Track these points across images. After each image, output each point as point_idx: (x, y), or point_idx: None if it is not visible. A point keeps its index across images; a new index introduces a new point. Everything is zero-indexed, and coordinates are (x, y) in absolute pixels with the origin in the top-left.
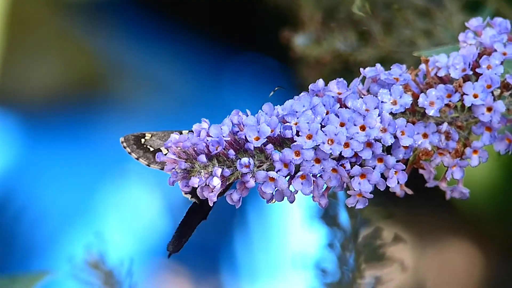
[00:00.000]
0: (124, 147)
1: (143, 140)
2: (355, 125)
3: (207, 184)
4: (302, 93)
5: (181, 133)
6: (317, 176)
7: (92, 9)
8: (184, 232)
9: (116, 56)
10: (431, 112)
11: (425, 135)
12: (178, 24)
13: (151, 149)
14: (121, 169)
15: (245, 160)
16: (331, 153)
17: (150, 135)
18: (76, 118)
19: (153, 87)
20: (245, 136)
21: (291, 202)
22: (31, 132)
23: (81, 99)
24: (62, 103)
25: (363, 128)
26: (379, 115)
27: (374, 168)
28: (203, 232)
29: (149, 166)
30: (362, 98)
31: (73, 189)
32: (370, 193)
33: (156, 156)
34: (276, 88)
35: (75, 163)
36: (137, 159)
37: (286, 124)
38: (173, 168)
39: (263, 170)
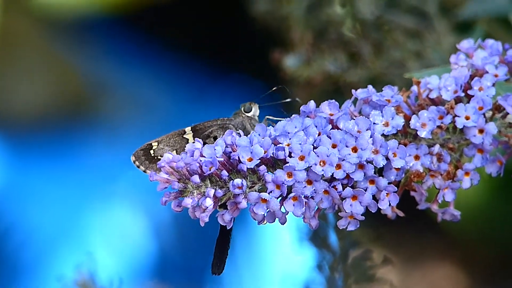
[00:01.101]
0: (137, 166)
1: (152, 152)
2: (347, 146)
3: (199, 204)
4: (293, 115)
5: (184, 132)
6: (309, 197)
7: (78, 29)
8: (222, 251)
9: (102, 76)
10: (423, 134)
11: (417, 157)
12: (165, 44)
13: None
14: (108, 188)
15: (238, 181)
16: (323, 174)
17: (156, 144)
18: (63, 137)
19: (139, 107)
20: (238, 157)
21: (283, 223)
22: (17, 152)
23: (67, 119)
24: (49, 122)
25: (355, 149)
26: (371, 137)
27: (365, 190)
28: (189, 253)
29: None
30: (354, 119)
31: (60, 209)
32: (362, 215)
33: (149, 176)
34: (274, 88)
35: (62, 183)
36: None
37: (279, 145)
38: (166, 188)
39: (255, 191)
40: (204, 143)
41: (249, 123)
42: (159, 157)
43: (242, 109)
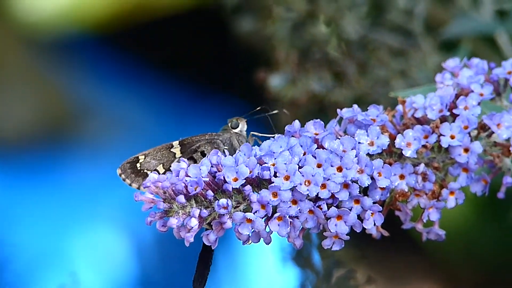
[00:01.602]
0: (123, 179)
1: (138, 165)
2: (332, 166)
3: (184, 224)
4: (278, 135)
5: (171, 146)
6: (294, 217)
7: (61, 48)
8: (204, 266)
9: (85, 95)
10: (408, 153)
11: (402, 176)
12: (148, 63)
13: (148, 172)
14: (91, 208)
15: (223, 201)
16: (308, 194)
17: (143, 157)
18: (46, 157)
19: (123, 127)
20: (224, 177)
21: (267, 243)
22: (0, 172)
23: (50, 138)
24: (32, 142)
25: (340, 169)
26: (356, 156)
27: (350, 210)
28: (171, 273)
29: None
30: (339, 139)
31: (44, 229)
32: (347, 234)
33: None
34: (258, 108)
35: (45, 203)
36: (138, 188)
37: (264, 165)
38: (151, 208)
39: (241, 211)
40: (191, 157)
41: (236, 139)
42: (145, 171)
43: (230, 125)
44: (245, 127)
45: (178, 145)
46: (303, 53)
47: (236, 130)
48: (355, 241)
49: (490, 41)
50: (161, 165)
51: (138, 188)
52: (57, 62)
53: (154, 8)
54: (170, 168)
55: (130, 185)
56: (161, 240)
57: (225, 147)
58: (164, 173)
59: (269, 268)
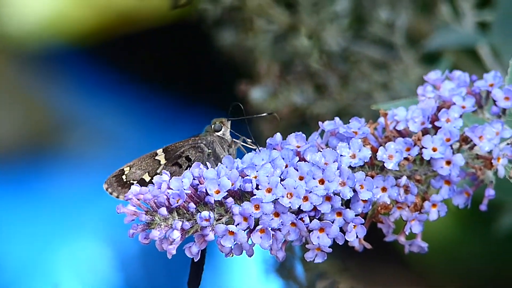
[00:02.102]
0: (110, 193)
1: (124, 177)
2: (314, 178)
3: (166, 237)
4: (262, 148)
5: (155, 154)
6: (276, 229)
7: (44, 60)
8: (197, 268)
9: (69, 108)
10: (390, 165)
11: (384, 189)
12: (131, 75)
13: (135, 182)
14: (74, 221)
15: (205, 214)
16: (290, 206)
17: (128, 168)
18: (30, 169)
19: (106, 139)
20: (206, 189)
21: (250, 256)
22: None
23: (34, 151)
24: (15, 154)
25: (322, 181)
26: (338, 169)
27: (333, 222)
28: (155, 284)
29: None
30: (321, 151)
31: (27, 241)
32: (329, 247)
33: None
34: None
35: (29, 215)
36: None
37: (246, 178)
38: (133, 220)
39: (223, 223)
40: (177, 163)
41: (219, 143)
42: (131, 182)
43: (212, 127)
44: (228, 130)
45: (162, 153)
46: (284, 65)
47: (218, 134)
48: (338, 253)
49: (472, 53)
50: (147, 173)
51: (126, 200)
52: (40, 74)
53: (136, 20)
54: (157, 172)
55: (117, 197)
56: (145, 252)
57: (209, 150)
58: (150, 181)
59: (252, 280)
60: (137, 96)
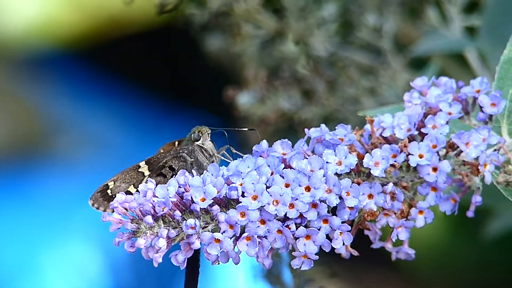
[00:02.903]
0: (97, 208)
1: (109, 191)
2: (300, 185)
3: (152, 245)
4: (246, 155)
5: (138, 167)
6: (262, 237)
7: (33, 65)
8: (193, 272)
9: (57, 113)
10: (376, 172)
11: (370, 196)
12: (120, 80)
13: None
14: (64, 225)
15: (191, 221)
16: (276, 214)
17: (112, 183)
18: (19, 173)
19: (94, 143)
20: (191, 197)
21: (236, 263)
22: None
23: (23, 155)
24: (4, 159)
25: (308, 189)
26: (324, 176)
27: (319, 229)
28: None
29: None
30: (307, 158)
31: (16, 246)
32: (316, 254)
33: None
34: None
35: (18, 220)
36: (113, 212)
37: (231, 185)
38: (119, 228)
39: (209, 231)
40: (161, 173)
41: (200, 152)
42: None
43: (192, 136)
44: (208, 139)
45: (145, 165)
46: (272, 70)
47: (197, 143)
48: (325, 258)
49: (459, 58)
50: (132, 186)
51: (113, 213)
52: (30, 78)
53: (125, 25)
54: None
55: (104, 211)
56: (134, 256)
57: (191, 159)
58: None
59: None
60: (126, 100)
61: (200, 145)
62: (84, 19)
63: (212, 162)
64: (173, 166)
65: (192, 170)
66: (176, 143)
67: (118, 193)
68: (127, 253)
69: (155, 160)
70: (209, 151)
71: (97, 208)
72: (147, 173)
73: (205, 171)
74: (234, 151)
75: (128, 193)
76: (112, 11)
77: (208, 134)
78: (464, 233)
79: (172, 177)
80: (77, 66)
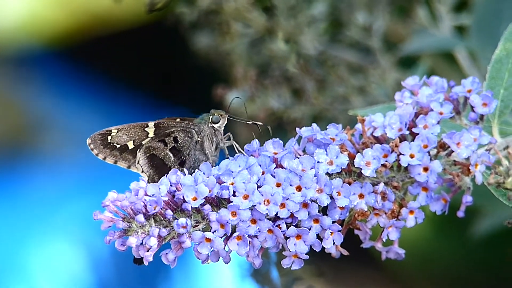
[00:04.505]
0: (92, 149)
1: (109, 137)
2: (291, 185)
3: (143, 243)
4: (237, 154)
5: (146, 125)
6: (253, 236)
7: (19, 63)
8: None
9: (43, 110)
10: (367, 172)
11: (361, 196)
12: (106, 77)
13: (118, 146)
14: (48, 222)
15: (182, 221)
16: (267, 213)
17: (116, 131)
18: (4, 170)
19: (80, 141)
20: (183, 196)
21: (227, 263)
22: None
23: (7, 153)
24: None
25: (299, 188)
26: (315, 176)
27: (310, 229)
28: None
29: (115, 163)
30: (298, 158)
31: (0, 243)
32: (306, 254)
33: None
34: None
35: (2, 216)
36: (104, 159)
37: (223, 185)
38: (110, 227)
39: (200, 230)
40: (163, 140)
41: (210, 136)
42: (115, 144)
43: (211, 118)
44: (225, 124)
45: (153, 127)
46: (261, 69)
47: (215, 126)
48: (313, 257)
49: (449, 57)
50: (132, 141)
51: (104, 159)
52: (15, 76)
53: (111, 22)
54: (142, 142)
55: (97, 155)
56: (118, 254)
57: (198, 139)
58: (133, 149)
59: (227, 284)
60: (112, 98)
61: (217, 128)
62: (69, 17)
63: (216, 151)
64: (178, 139)
65: (184, 169)
66: (178, 120)
67: (117, 143)
68: (111, 251)
69: (164, 125)
70: (220, 137)
71: (92, 149)
72: (151, 134)
73: (197, 170)
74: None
75: (126, 147)
76: (97, 9)
77: (225, 119)
78: (450, 232)
79: (173, 148)
80: (62, 64)
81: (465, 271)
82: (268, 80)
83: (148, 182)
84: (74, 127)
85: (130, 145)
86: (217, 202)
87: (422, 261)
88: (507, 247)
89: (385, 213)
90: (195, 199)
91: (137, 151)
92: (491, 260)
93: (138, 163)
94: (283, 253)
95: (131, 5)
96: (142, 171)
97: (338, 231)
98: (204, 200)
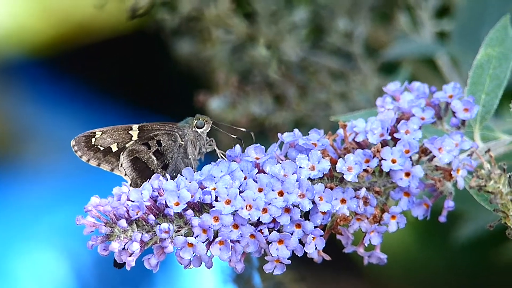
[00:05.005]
0: (75, 151)
1: (93, 140)
2: (273, 190)
3: (126, 248)
4: (219, 159)
5: (130, 128)
6: (235, 241)
7: (2, 72)
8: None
9: (26, 119)
10: (349, 177)
11: (343, 201)
12: (89, 87)
13: (101, 148)
14: (31, 230)
15: (164, 226)
16: (249, 218)
17: (100, 133)
18: None
19: (63, 150)
20: (165, 201)
21: (209, 267)
22: None
23: None
24: None
25: (281, 193)
26: (297, 181)
27: (292, 234)
28: None
29: (98, 166)
30: (280, 163)
31: None
32: (288, 259)
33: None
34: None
35: None
36: (87, 161)
37: (205, 190)
38: (92, 231)
39: (182, 235)
40: (146, 144)
41: (194, 139)
42: (99, 147)
43: (195, 123)
44: (208, 129)
45: (137, 129)
46: (243, 75)
47: (199, 131)
48: (295, 263)
49: (430, 63)
50: (116, 144)
51: (87, 162)
52: None
53: (94, 31)
54: (126, 145)
55: (80, 157)
56: (100, 261)
57: (182, 142)
58: (117, 152)
59: None
60: (95, 107)
61: (200, 133)
62: (52, 26)
63: (198, 155)
64: (161, 142)
65: (166, 174)
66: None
67: (101, 145)
68: (93, 258)
69: (148, 128)
70: (203, 142)
71: (76, 151)
72: (135, 137)
73: (179, 175)
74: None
75: (109, 149)
76: (80, 18)
77: (209, 125)
78: (433, 239)
79: (156, 151)
80: (45, 73)
81: (448, 277)
82: (250, 86)
83: (131, 185)
84: (57, 135)
85: (114, 148)
86: (200, 207)
87: (405, 268)
88: (490, 252)
89: (367, 218)
90: (177, 204)
91: (121, 154)
92: (474, 266)
93: (121, 166)
94: (265, 258)
95: (114, 14)
96: (125, 174)
97: (320, 236)
98: (186, 205)
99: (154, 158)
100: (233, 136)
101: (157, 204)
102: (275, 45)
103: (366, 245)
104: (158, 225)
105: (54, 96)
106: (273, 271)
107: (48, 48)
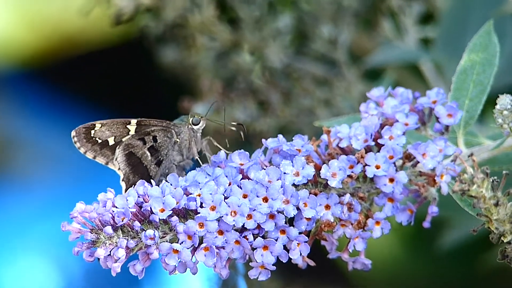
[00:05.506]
0: (75, 142)
1: (92, 132)
2: (257, 196)
3: (111, 255)
4: (204, 164)
5: (129, 122)
6: (220, 247)
7: None
8: None
9: (13, 130)
10: (333, 183)
11: (327, 207)
12: (76, 98)
13: (99, 141)
14: (19, 241)
15: (150, 232)
16: (234, 224)
17: (100, 125)
18: None
19: (51, 160)
20: (151, 208)
21: (194, 273)
22: None
23: None
24: None
25: (265, 199)
26: (281, 187)
27: (276, 240)
28: None
29: (94, 159)
30: (265, 169)
31: None
32: (273, 265)
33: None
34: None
35: None
36: (85, 153)
37: (190, 196)
38: (78, 238)
39: (167, 241)
40: (142, 139)
41: (189, 136)
42: (97, 139)
43: (191, 120)
44: (203, 126)
45: (135, 124)
46: (227, 82)
47: (195, 127)
48: (280, 270)
49: (414, 69)
50: (113, 137)
51: (85, 153)
52: None
53: (81, 42)
54: (122, 139)
55: (79, 148)
56: (90, 271)
57: (177, 139)
58: (113, 146)
59: None
60: (82, 118)
61: (195, 130)
62: (40, 38)
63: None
64: (157, 138)
65: (151, 180)
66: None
67: (99, 138)
68: (83, 268)
69: (146, 124)
70: (198, 139)
71: (75, 143)
72: (132, 132)
73: (164, 181)
74: (215, 143)
75: (106, 142)
76: (68, 30)
77: (205, 121)
78: (418, 246)
79: (151, 147)
80: (33, 84)
81: (433, 284)
82: (234, 92)
83: (123, 180)
84: (45, 146)
85: (111, 141)
86: (185, 214)
87: (390, 274)
88: (475, 258)
89: (352, 224)
90: (162, 210)
91: (116, 148)
92: (460, 273)
93: (116, 159)
94: (250, 264)
95: (101, 26)
96: (119, 168)
97: (304, 242)
98: (171, 211)
99: (148, 154)
100: (233, 123)
101: (142, 210)
102: (259, 51)
103: (350, 251)
104: (144, 231)
105: (42, 107)
106: (258, 277)
107: (35, 59)
